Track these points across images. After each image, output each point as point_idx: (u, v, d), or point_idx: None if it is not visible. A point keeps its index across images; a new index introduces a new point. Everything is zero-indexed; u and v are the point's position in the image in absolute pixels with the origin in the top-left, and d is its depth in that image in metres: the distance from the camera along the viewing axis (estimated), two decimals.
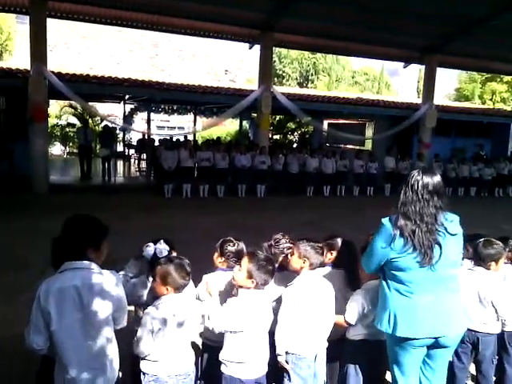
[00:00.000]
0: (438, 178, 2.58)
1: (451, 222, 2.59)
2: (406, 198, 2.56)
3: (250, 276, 2.68)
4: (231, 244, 3.06)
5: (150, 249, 2.78)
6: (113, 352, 2.38)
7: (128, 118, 19.60)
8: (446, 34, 14.78)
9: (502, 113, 21.74)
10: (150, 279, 2.74)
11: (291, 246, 3.11)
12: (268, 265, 2.72)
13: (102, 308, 2.28)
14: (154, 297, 2.64)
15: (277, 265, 3.10)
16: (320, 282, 2.91)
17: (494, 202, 15.06)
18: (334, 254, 3.22)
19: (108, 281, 2.31)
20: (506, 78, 33.90)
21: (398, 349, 2.65)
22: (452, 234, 2.56)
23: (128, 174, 17.18)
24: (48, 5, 11.68)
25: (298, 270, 2.90)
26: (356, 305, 2.91)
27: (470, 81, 37.62)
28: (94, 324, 2.27)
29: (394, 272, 2.57)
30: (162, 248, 2.79)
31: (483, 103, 34.21)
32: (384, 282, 2.66)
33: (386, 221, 2.59)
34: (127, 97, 17.27)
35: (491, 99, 35.76)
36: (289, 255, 3.04)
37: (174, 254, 2.87)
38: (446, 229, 2.54)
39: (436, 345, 2.60)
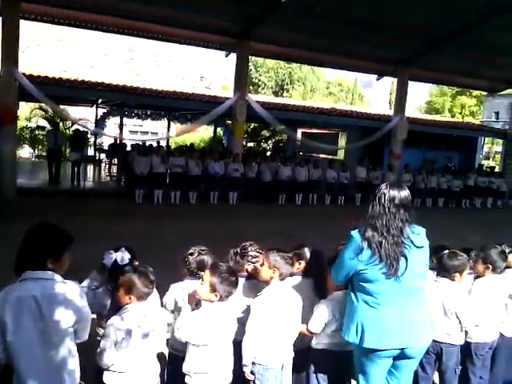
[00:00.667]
0: (405, 192, 2.63)
1: (418, 234, 2.64)
2: (373, 211, 2.60)
3: (214, 289, 2.64)
4: (192, 254, 3.03)
5: (110, 256, 2.73)
6: (73, 365, 2.32)
7: (100, 122, 19.31)
8: (418, 48, 15.14)
9: (470, 126, 22.36)
10: (110, 288, 2.70)
11: (257, 255, 3.11)
12: (231, 276, 2.69)
13: (62, 320, 2.22)
14: (117, 306, 2.59)
15: (244, 273, 3.11)
16: (288, 292, 2.91)
17: (461, 212, 15.44)
18: (303, 263, 3.23)
19: (70, 292, 2.26)
20: (475, 93, 35.01)
21: (365, 359, 2.67)
22: (418, 247, 2.60)
23: (98, 179, 16.89)
24: (21, 6, 11.47)
25: (267, 280, 2.89)
26: (320, 314, 2.93)
27: (441, 94, 38.67)
28: (52, 336, 2.21)
29: (362, 283, 2.60)
30: (123, 256, 2.75)
31: (453, 116, 35.18)
32: (352, 293, 2.68)
33: (354, 233, 2.62)
34: (100, 101, 17.02)
35: (460, 113, 36.82)
36: (258, 265, 3.02)
37: (136, 262, 2.83)
38: (412, 241, 2.58)
39: (402, 356, 2.63)
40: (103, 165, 19.10)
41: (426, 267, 2.72)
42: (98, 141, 20.60)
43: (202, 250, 3.06)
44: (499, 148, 31.08)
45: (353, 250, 2.59)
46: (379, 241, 2.53)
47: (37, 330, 2.18)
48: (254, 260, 3.10)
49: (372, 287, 2.57)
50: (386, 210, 2.57)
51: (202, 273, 2.91)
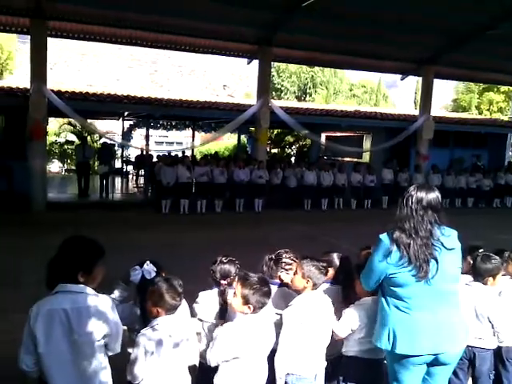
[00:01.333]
0: (433, 194, 2.60)
1: (448, 236, 2.59)
2: (401, 213, 2.58)
3: (246, 302, 2.61)
4: (216, 263, 3.04)
5: (137, 272, 2.74)
6: (105, 377, 2.35)
7: (127, 135, 19.67)
8: (442, 45, 14.91)
9: (499, 123, 21.83)
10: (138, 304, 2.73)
11: (292, 262, 3.09)
12: (263, 287, 2.66)
13: (92, 332, 2.25)
14: (145, 320, 2.61)
15: (276, 280, 3.11)
16: (321, 302, 2.88)
17: (491, 212, 15.05)
18: (331, 270, 3.21)
19: (101, 305, 2.29)
20: (503, 88, 34.12)
21: (398, 366, 2.63)
22: (448, 249, 2.56)
23: (126, 191, 17.18)
24: (48, 24, 11.80)
25: (300, 289, 2.86)
26: (347, 318, 2.90)
27: (467, 91, 37.86)
28: (83, 349, 2.25)
29: (392, 288, 2.57)
30: (149, 269, 2.75)
31: (480, 113, 34.39)
32: (383, 299, 2.66)
33: (383, 236, 2.61)
34: (126, 113, 17.35)
35: (488, 109, 35.96)
36: (291, 273, 3.00)
37: (163, 274, 2.84)
38: (442, 243, 2.54)
39: (436, 362, 2.58)
40: (130, 176, 19.44)
41: (458, 270, 2.66)
42: (125, 153, 20.96)
43: (225, 259, 3.06)
44: None
45: (382, 252, 2.57)
46: (407, 242, 2.50)
47: (67, 343, 2.22)
48: (287, 267, 3.09)
49: (403, 291, 2.54)
50: (414, 212, 2.54)
51: (224, 282, 2.94)
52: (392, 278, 2.55)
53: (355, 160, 17.72)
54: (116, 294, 2.81)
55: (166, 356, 2.49)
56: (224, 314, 2.90)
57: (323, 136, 19.80)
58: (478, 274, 3.23)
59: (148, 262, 2.78)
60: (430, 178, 15.20)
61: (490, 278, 3.24)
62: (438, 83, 17.14)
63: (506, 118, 28.93)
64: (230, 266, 3.03)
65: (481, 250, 3.35)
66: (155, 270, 2.76)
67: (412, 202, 2.56)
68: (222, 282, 2.96)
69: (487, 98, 36.47)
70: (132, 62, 58.03)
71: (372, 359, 2.91)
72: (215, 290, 3.02)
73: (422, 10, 12.10)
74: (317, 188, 13.89)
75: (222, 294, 2.94)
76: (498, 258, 3.31)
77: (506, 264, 3.53)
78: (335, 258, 3.28)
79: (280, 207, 13.09)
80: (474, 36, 13.88)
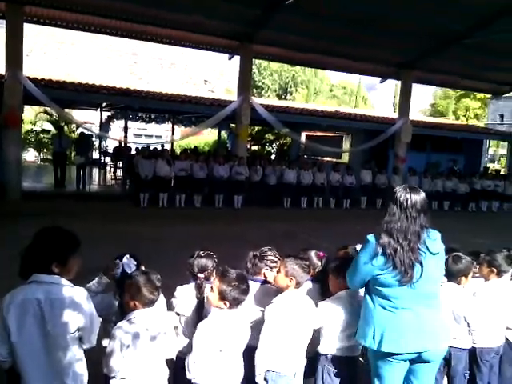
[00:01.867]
0: (423, 195, 2.60)
1: (434, 240, 2.61)
2: (392, 216, 2.55)
3: (223, 297, 2.60)
4: (194, 257, 3.02)
5: (118, 266, 2.71)
6: (80, 369, 2.31)
7: (105, 126, 19.37)
8: (422, 50, 15.12)
9: (474, 129, 22.30)
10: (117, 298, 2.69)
11: (276, 260, 3.09)
12: (241, 284, 2.64)
13: (66, 324, 2.21)
14: (123, 313, 2.58)
15: (260, 277, 3.10)
16: (303, 300, 2.88)
17: (467, 216, 15.36)
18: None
19: (76, 296, 2.25)
20: (479, 95, 34.91)
21: (381, 363, 2.65)
22: (433, 253, 2.57)
23: (103, 182, 16.93)
24: (25, 10, 11.51)
25: (283, 287, 2.86)
26: (321, 310, 2.92)
27: (445, 97, 38.59)
28: (57, 340, 2.21)
29: (378, 287, 2.59)
30: (129, 263, 2.73)
31: (457, 119, 35.10)
32: (368, 297, 2.67)
33: (371, 237, 2.59)
34: (104, 104, 17.07)
35: (465, 115, 36.72)
36: (275, 271, 2.99)
37: (142, 267, 2.81)
38: (427, 248, 2.55)
39: (419, 360, 2.61)
40: (108, 168, 19.16)
41: (441, 273, 2.70)
42: (103, 144, 20.67)
43: (203, 253, 3.05)
44: (504, 151, 30.99)
45: (368, 254, 2.57)
46: (394, 248, 2.49)
47: (40, 334, 2.19)
48: (272, 265, 3.08)
49: (388, 291, 2.56)
50: (408, 214, 2.52)
51: (201, 275, 2.92)
52: (378, 279, 2.56)
53: (334, 160, 17.85)
54: (93, 283, 2.75)
55: (142, 349, 2.46)
56: (201, 307, 2.89)
57: (303, 135, 19.88)
58: (451, 274, 3.27)
59: (128, 255, 2.75)
60: (407, 181, 15.40)
61: (463, 278, 3.30)
62: (416, 88, 17.43)
63: (481, 125, 29.59)
64: (207, 259, 3.02)
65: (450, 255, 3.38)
66: (135, 263, 2.73)
67: (407, 205, 2.53)
68: (200, 275, 2.95)
69: (464, 105, 37.27)
70: (111, 52, 57.16)
71: (348, 356, 2.92)
72: (192, 284, 3.01)
73: (403, 15, 12.24)
74: (296, 186, 13.93)
75: (199, 288, 2.93)
76: (468, 257, 3.37)
77: (481, 266, 3.59)
78: (313, 255, 3.28)
79: (259, 204, 13.07)
80: (452, 43, 14.13)
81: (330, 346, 2.93)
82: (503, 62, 15.61)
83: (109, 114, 19.55)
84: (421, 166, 16.95)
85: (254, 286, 2.98)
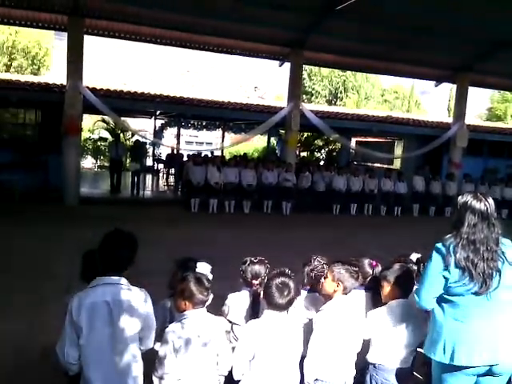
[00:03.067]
0: (491, 201, 2.55)
1: (509, 247, 2.53)
2: (473, 227, 2.47)
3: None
4: (246, 264, 3.04)
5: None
6: (137, 371, 2.38)
7: (158, 133, 19.91)
8: (478, 53, 14.62)
9: None
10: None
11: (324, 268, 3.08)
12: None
13: (129, 325, 2.30)
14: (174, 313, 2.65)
15: (308, 286, 3.11)
16: (352, 307, 2.85)
17: None
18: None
19: (136, 297, 2.33)
20: None
21: (448, 377, 2.53)
22: (510, 262, 2.48)
23: (156, 188, 17.41)
24: (85, 22, 12.08)
25: (330, 293, 2.83)
26: (370, 320, 2.88)
27: (503, 100, 36.95)
28: (121, 341, 2.29)
29: (448, 297, 2.50)
30: (205, 271, 2.79)
31: None
32: (438, 308, 2.57)
33: (440, 247, 2.51)
34: (158, 112, 17.59)
35: None
36: (322, 278, 2.99)
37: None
38: (504, 255, 2.47)
39: (489, 372, 2.49)
40: (161, 174, 19.68)
41: None
42: (157, 151, 21.24)
43: (256, 259, 3.06)
44: None
45: (439, 266, 2.48)
46: (473, 261, 2.41)
47: (107, 335, 2.27)
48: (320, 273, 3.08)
49: (461, 300, 2.46)
50: (489, 222, 2.47)
51: (256, 282, 2.94)
52: (449, 288, 2.48)
53: (386, 166, 17.51)
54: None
55: (193, 351, 2.49)
56: (256, 313, 2.90)
57: (353, 141, 19.64)
58: None
59: (204, 262, 2.80)
60: (462, 187, 14.87)
61: None
62: (472, 91, 16.80)
63: None
64: (260, 266, 3.03)
65: None
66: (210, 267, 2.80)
67: (488, 214, 2.47)
68: (254, 282, 2.96)
69: None
70: (165, 61, 58.72)
71: (398, 368, 2.85)
72: (244, 292, 3.03)
73: (459, 17, 11.87)
74: (346, 193, 13.77)
75: (254, 294, 2.94)
76: None
77: None
78: (365, 263, 3.26)
79: (308, 211, 13.01)
80: (510, 44, 13.53)
81: (379, 355, 2.87)
82: None
83: (162, 121, 20.09)
84: (477, 172, 16.31)
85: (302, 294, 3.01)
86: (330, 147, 24.28)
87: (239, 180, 12.73)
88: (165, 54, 54.62)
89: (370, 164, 18.19)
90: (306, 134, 23.50)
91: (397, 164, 18.08)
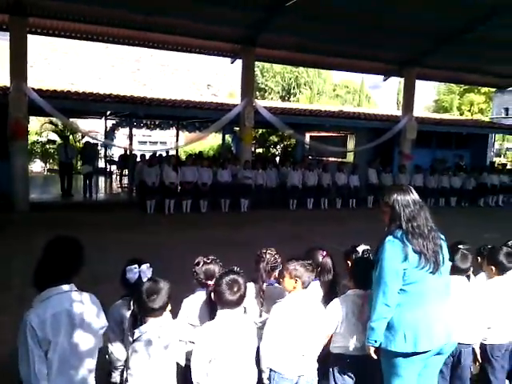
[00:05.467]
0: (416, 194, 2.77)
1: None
2: (410, 213, 2.63)
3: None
4: (199, 264, 3.01)
5: (135, 271, 2.72)
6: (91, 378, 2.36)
7: (110, 134, 19.47)
8: (423, 47, 15.09)
9: (480, 123, 22.19)
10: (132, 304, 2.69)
11: (276, 260, 3.13)
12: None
13: (88, 331, 2.27)
14: (135, 321, 2.58)
15: (271, 279, 3.14)
16: (311, 301, 2.89)
17: (475, 211, 15.26)
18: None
19: (94, 301, 2.34)
20: (483, 90, 34.70)
21: (404, 362, 2.61)
22: (444, 240, 2.74)
23: (110, 191, 17.01)
24: (28, 21, 11.62)
25: (290, 290, 2.86)
26: (333, 313, 2.93)
27: (449, 92, 38.38)
28: (81, 348, 2.25)
29: (403, 287, 2.58)
30: (146, 270, 2.74)
31: (461, 114, 34.89)
32: None
33: (392, 240, 2.61)
34: (109, 112, 17.18)
35: (469, 110, 36.51)
36: (276, 268, 3.06)
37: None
38: (440, 237, 2.71)
39: (438, 352, 2.65)
40: (114, 176, 19.24)
41: (449, 261, 2.79)
42: (109, 152, 20.77)
43: (208, 259, 3.03)
44: (510, 144, 30.81)
45: (398, 256, 2.56)
46: (423, 243, 2.58)
47: (69, 344, 2.21)
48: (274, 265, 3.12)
49: (413, 288, 2.58)
50: (417, 211, 2.65)
51: (211, 282, 2.90)
52: (406, 278, 2.57)
53: (339, 160, 17.83)
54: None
55: (154, 355, 2.47)
56: (214, 313, 2.88)
57: (308, 136, 19.87)
58: (459, 270, 3.19)
59: (148, 264, 2.75)
60: (413, 178, 15.37)
61: (470, 274, 3.41)
62: (419, 84, 17.37)
63: (486, 119, 29.40)
64: (214, 265, 3.00)
65: (461, 246, 3.33)
66: (151, 271, 2.75)
67: (410, 203, 2.66)
68: (209, 282, 2.93)
69: (468, 99, 37.04)
70: (115, 60, 57.44)
71: (358, 355, 2.90)
72: (198, 293, 3.00)
73: (403, 12, 12.21)
74: (302, 188, 13.92)
75: (211, 294, 2.92)
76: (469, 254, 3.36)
77: (482, 263, 3.62)
78: (317, 254, 3.30)
79: (265, 207, 13.07)
80: (454, 38, 14.07)
81: (339, 345, 2.94)
82: (506, 54, 15.50)
83: (113, 121, 19.66)
84: (427, 162, 16.88)
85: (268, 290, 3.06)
86: (286, 143, 24.50)
87: (197, 179, 12.62)
88: (114, 52, 53.42)
89: (324, 158, 18.47)
90: (260, 131, 23.60)
91: (350, 157, 18.44)
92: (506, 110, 33.72)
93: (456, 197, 15.92)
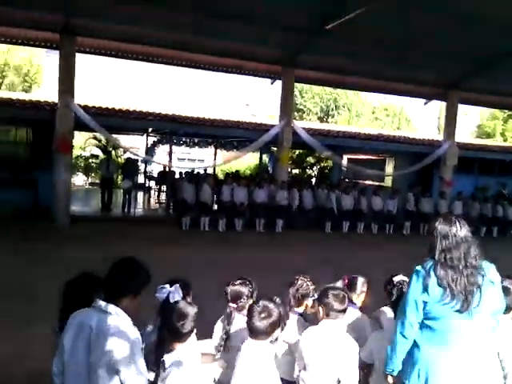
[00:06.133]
0: (467, 228, 2.54)
1: (490, 267, 2.52)
2: (447, 244, 2.47)
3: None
4: (229, 285, 2.98)
5: (164, 291, 2.64)
6: None
7: (150, 150, 19.88)
8: (467, 70, 14.83)
9: None
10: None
11: (314, 287, 3.07)
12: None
13: (106, 356, 2.13)
14: (160, 343, 2.52)
15: (301, 307, 3.07)
16: (339, 334, 2.77)
17: None
18: (356, 295, 3.18)
19: (122, 326, 2.19)
20: None
21: None
22: (490, 281, 2.46)
23: (148, 206, 17.31)
24: (77, 40, 12.11)
25: (319, 319, 2.81)
26: (372, 344, 2.88)
27: (492, 118, 37.42)
28: (97, 371, 2.13)
29: (426, 322, 2.47)
30: (175, 292, 2.64)
31: (505, 140, 33.86)
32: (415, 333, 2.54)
33: (419, 269, 2.51)
34: (150, 129, 17.57)
35: None
36: (310, 300, 3.01)
37: (189, 299, 2.76)
38: (484, 274, 2.45)
39: None
40: (153, 192, 19.58)
41: (500, 305, 2.51)
42: (148, 169, 21.18)
43: (238, 281, 2.99)
44: None
45: (418, 288, 2.47)
46: (453, 278, 2.39)
47: (86, 360, 2.18)
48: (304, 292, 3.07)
49: (438, 325, 2.43)
50: (460, 241, 2.47)
51: (233, 304, 2.87)
52: (429, 312, 2.45)
53: (377, 184, 17.57)
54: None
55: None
56: (227, 338, 2.82)
57: (345, 158, 19.71)
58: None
59: (177, 285, 2.65)
60: (453, 205, 14.95)
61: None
62: (462, 109, 16.99)
63: None
64: (241, 287, 2.94)
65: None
66: (181, 295, 2.65)
67: (450, 234, 2.48)
68: (231, 304, 2.89)
69: None
70: (157, 78, 58.98)
71: None
72: (238, 316, 2.93)
73: (448, 35, 12.07)
74: (338, 210, 13.76)
75: (228, 318, 2.86)
76: None
77: None
78: (359, 281, 3.24)
79: (300, 228, 12.98)
80: (499, 62, 13.76)
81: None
82: None
83: (154, 138, 20.09)
84: (468, 189, 16.41)
85: (292, 319, 2.97)
86: (322, 164, 24.35)
87: (232, 198, 12.68)
88: (157, 71, 54.91)
89: (361, 181, 18.25)
90: (297, 152, 23.57)
91: (388, 182, 18.15)
92: None
93: (498, 226, 15.34)
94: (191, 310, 2.51)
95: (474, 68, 14.51)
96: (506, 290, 3.03)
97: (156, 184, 19.47)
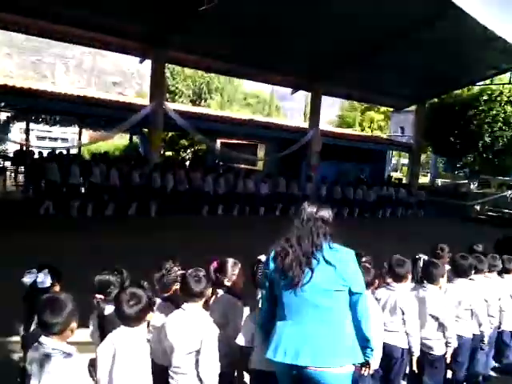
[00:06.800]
0: (326, 210, 2.63)
1: (335, 251, 2.53)
2: (295, 228, 2.59)
3: None
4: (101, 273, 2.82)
5: (30, 276, 2.43)
6: None
7: (4, 128, 17.90)
8: (332, 65, 15.80)
9: (379, 140, 23.62)
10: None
11: (183, 272, 2.93)
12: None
13: None
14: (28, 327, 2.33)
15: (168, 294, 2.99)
16: (200, 317, 2.74)
17: (377, 222, 16.11)
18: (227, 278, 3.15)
19: None
20: (383, 109, 37.17)
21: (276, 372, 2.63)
22: (329, 263, 2.48)
23: (3, 189, 15.56)
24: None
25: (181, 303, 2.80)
26: (247, 326, 2.91)
27: (352, 109, 40.63)
28: None
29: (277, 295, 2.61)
30: (45, 280, 2.46)
31: (362, 130, 37.06)
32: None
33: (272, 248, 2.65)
34: (2, 104, 15.72)
35: (369, 127, 38.92)
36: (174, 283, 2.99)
37: (57, 287, 2.56)
38: (323, 256, 2.49)
39: (306, 378, 2.46)
40: (8, 173, 17.67)
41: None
42: (2, 147, 19.12)
43: (107, 270, 2.85)
44: (405, 160, 33.21)
45: (268, 262, 2.64)
46: (286, 252, 2.51)
47: None
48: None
49: (280, 298, 2.57)
50: (303, 223, 2.57)
51: (99, 296, 2.72)
52: (275, 286, 2.60)
53: (249, 167, 17.96)
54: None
55: None
56: (103, 329, 2.65)
57: (218, 142, 19.81)
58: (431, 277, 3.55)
59: (47, 270, 2.48)
60: (319, 189, 15.89)
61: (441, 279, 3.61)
62: (325, 99, 18.09)
63: (384, 136, 31.45)
64: (109, 276, 2.80)
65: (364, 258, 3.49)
66: (50, 282, 2.46)
67: (303, 215, 2.59)
68: (97, 295, 2.72)
69: (369, 117, 39.47)
70: (11, 48, 53.49)
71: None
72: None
73: (316, 29, 12.70)
74: (213, 194, 13.76)
75: (97, 308, 2.72)
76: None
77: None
78: (228, 264, 3.19)
79: (175, 212, 12.66)
80: (359, 60, 15.01)
81: (254, 358, 2.86)
82: (405, 78, 16.71)
83: (8, 114, 18.10)
84: (332, 174, 17.56)
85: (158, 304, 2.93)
86: (196, 147, 24.23)
87: (104, 180, 11.92)
88: (11, 41, 49.74)
89: (234, 165, 18.52)
90: (170, 134, 23.10)
91: (260, 165, 18.67)
92: (402, 128, 36.24)
93: (358, 208, 16.66)
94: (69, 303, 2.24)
95: (336, 62, 15.54)
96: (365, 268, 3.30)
97: (12, 164, 17.59)
